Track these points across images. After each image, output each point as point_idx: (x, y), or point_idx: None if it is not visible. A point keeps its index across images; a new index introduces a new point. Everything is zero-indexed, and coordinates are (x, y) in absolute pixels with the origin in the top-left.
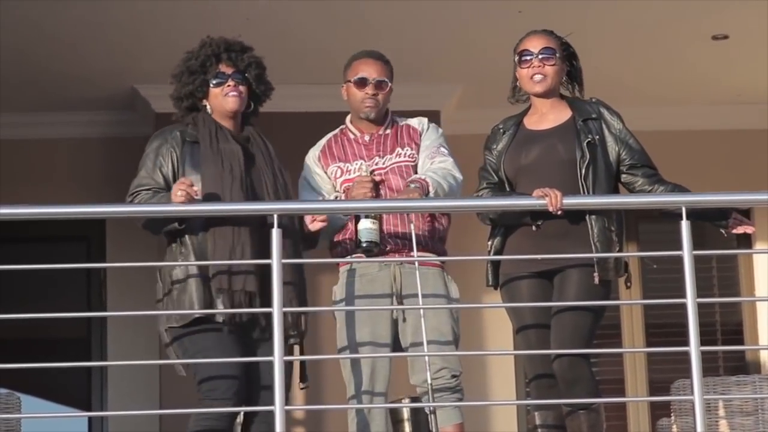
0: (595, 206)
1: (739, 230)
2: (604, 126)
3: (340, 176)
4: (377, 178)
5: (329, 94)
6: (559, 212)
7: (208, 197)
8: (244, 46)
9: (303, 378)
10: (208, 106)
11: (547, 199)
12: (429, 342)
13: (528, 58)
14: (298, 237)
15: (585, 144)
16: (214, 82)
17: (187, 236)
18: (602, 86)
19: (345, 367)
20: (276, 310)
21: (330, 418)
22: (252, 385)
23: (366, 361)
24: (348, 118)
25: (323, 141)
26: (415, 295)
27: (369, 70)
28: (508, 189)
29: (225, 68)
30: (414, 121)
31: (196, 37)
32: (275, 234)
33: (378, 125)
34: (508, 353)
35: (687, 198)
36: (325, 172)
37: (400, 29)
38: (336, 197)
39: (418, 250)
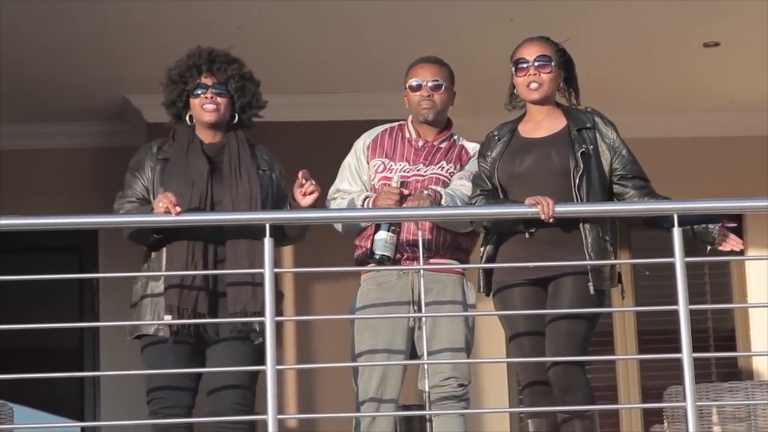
0: (587, 214)
1: (726, 247)
2: (598, 136)
3: (381, 171)
4: (405, 192)
5: (322, 103)
6: (551, 220)
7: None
8: (230, 58)
9: None
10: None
11: (539, 207)
12: (443, 350)
13: (524, 66)
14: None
15: (579, 154)
16: (193, 91)
17: (153, 251)
18: (594, 93)
19: (359, 375)
20: (268, 319)
21: (323, 428)
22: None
23: (378, 368)
24: (410, 118)
25: (377, 130)
26: (433, 303)
27: (424, 74)
28: (501, 196)
29: (205, 80)
30: (470, 145)
31: (189, 47)
32: (267, 243)
33: (437, 134)
34: (502, 361)
35: (678, 205)
36: (368, 162)
37: (392, 38)
38: (366, 198)
39: (437, 257)
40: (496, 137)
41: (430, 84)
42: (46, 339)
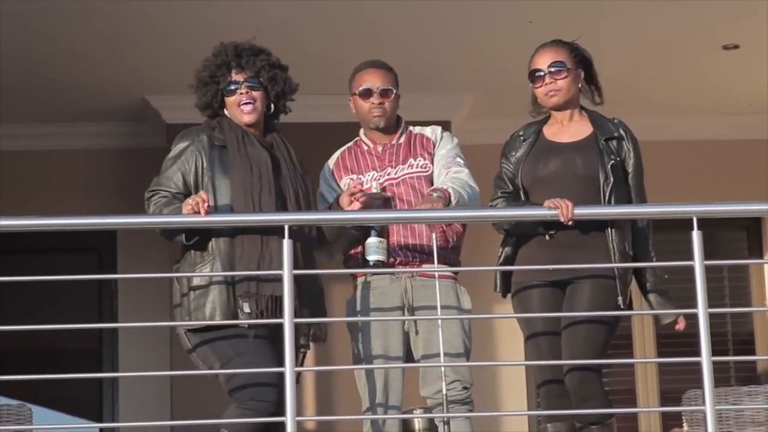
0: (605, 217)
1: (680, 325)
2: (625, 148)
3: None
4: (387, 195)
5: (341, 104)
6: (570, 222)
7: (224, 208)
8: (256, 49)
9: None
10: (228, 114)
11: (558, 209)
12: (440, 354)
13: (539, 75)
14: (312, 245)
15: (609, 166)
16: (227, 90)
17: (211, 243)
18: (612, 95)
19: (359, 380)
20: (287, 321)
21: (341, 430)
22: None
23: (379, 374)
24: (362, 131)
25: (337, 154)
26: (426, 308)
27: (372, 80)
28: (523, 198)
29: (237, 76)
30: (428, 131)
31: (207, 48)
32: (286, 244)
33: (390, 134)
34: (518, 363)
35: (698, 208)
36: (338, 185)
37: (410, 40)
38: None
39: (429, 262)
40: (522, 137)
41: (380, 90)
42: (65, 340)
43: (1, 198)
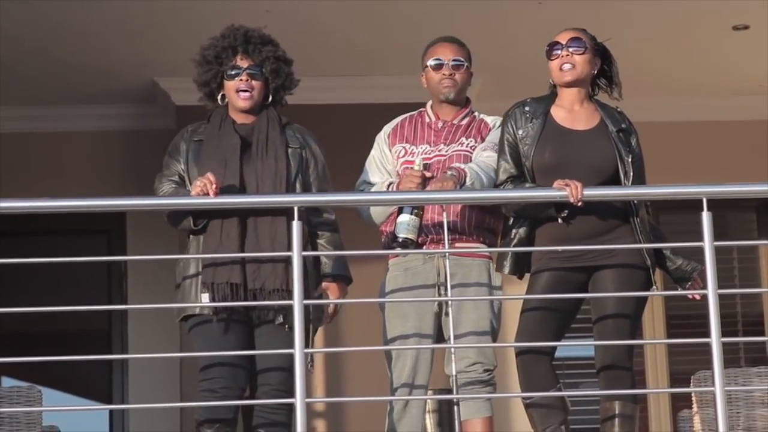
0: (615, 197)
1: (695, 287)
2: (633, 141)
3: (403, 156)
4: (428, 174)
5: (351, 86)
6: (580, 204)
7: (228, 189)
8: (264, 38)
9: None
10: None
11: (567, 189)
12: (467, 334)
13: (557, 49)
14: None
15: (630, 160)
16: (228, 73)
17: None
18: (623, 76)
19: (392, 361)
20: (297, 302)
21: (351, 411)
22: (253, 369)
23: (409, 354)
24: (429, 103)
25: (398, 120)
26: (458, 286)
27: (444, 52)
28: (529, 182)
29: (241, 61)
30: (489, 118)
31: (217, 29)
32: (296, 226)
33: (456, 112)
34: (531, 345)
35: (707, 189)
36: (390, 150)
37: (420, 22)
38: (390, 183)
39: (462, 240)
40: (528, 114)
41: (451, 63)
42: (74, 322)
43: (10, 180)
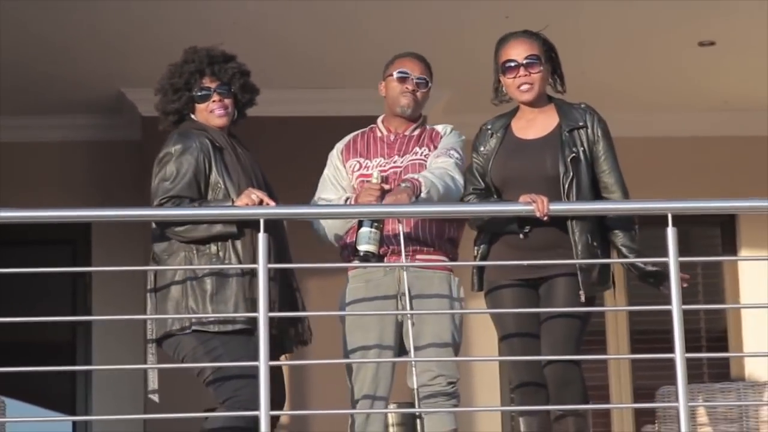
0: (581, 212)
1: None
2: (590, 134)
3: (358, 170)
4: (386, 187)
5: (317, 98)
6: (546, 218)
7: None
8: (227, 56)
9: None
10: (194, 118)
11: (534, 204)
12: (428, 346)
13: (512, 66)
14: (285, 239)
15: (569, 159)
16: (198, 95)
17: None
18: (589, 91)
19: (351, 373)
20: (261, 315)
21: (315, 424)
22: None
23: (370, 366)
24: (380, 118)
25: (349, 136)
26: (420, 297)
27: (412, 67)
28: (495, 196)
29: (209, 82)
30: (439, 126)
31: (184, 41)
32: (261, 239)
33: (407, 125)
34: (494, 359)
35: (672, 204)
36: (344, 167)
37: (388, 34)
38: (347, 198)
39: (424, 252)
40: (490, 131)
41: (416, 79)
42: (38, 333)
43: None
